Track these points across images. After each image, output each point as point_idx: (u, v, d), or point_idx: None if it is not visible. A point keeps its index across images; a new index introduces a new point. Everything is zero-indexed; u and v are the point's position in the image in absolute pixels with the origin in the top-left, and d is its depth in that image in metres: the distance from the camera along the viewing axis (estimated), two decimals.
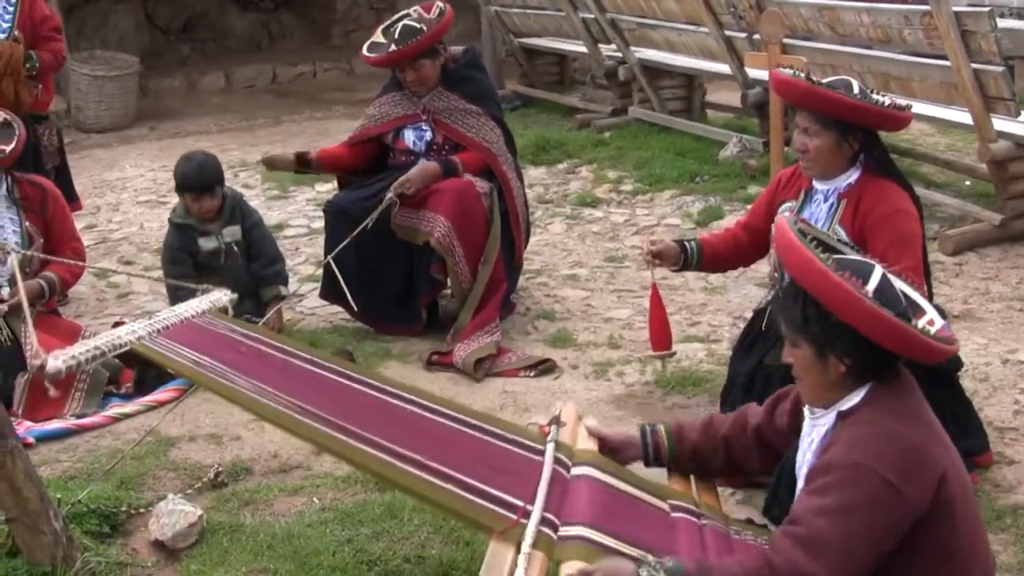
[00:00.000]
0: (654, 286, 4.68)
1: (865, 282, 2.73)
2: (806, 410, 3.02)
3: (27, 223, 5.53)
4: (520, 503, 3.06)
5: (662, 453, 3.39)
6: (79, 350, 3.40)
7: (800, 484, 2.98)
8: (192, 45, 15.60)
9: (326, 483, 4.37)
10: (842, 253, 2.99)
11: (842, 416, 2.84)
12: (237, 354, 3.47)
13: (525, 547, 2.87)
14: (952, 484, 2.73)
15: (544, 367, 5.49)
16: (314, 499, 4.25)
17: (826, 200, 4.24)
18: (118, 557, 3.86)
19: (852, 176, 4.19)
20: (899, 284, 2.88)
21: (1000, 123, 6.90)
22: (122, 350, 3.50)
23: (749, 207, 7.47)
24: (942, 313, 3.02)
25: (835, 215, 4.18)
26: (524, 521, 2.98)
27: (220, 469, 4.45)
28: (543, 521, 2.98)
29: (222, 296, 4.22)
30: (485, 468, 3.23)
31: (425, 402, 3.58)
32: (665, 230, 7.65)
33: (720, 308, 6.13)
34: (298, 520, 4.08)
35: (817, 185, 4.28)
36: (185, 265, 5.89)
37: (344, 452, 3.25)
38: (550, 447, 3.34)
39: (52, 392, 4.48)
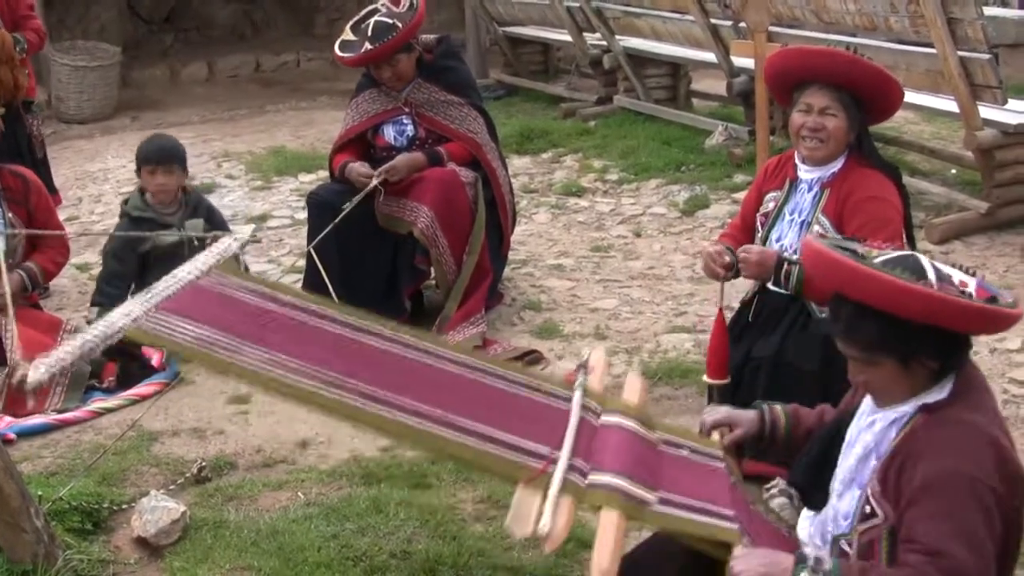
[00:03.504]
0: (720, 310, 4.36)
1: (924, 276, 2.63)
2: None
3: (10, 214, 5.48)
4: (547, 451, 2.92)
5: (778, 430, 3.20)
6: (64, 352, 2.98)
7: (848, 461, 2.87)
8: (175, 35, 15.52)
9: (311, 477, 4.34)
10: (850, 249, 2.90)
11: (928, 409, 2.72)
12: (248, 319, 3.29)
13: (552, 493, 2.74)
14: (1021, 491, 2.68)
15: (530, 358, 5.45)
16: (299, 494, 4.22)
17: (810, 190, 4.22)
18: (100, 555, 3.82)
19: (836, 165, 4.17)
20: (928, 258, 2.79)
21: (986, 111, 6.88)
22: (115, 338, 3.08)
23: (736, 196, 7.55)
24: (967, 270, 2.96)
25: (819, 204, 4.16)
26: (551, 469, 2.83)
27: (203, 464, 4.41)
28: (571, 468, 2.84)
29: (231, 243, 3.73)
30: (510, 418, 3.08)
31: (448, 353, 3.38)
32: (651, 219, 7.62)
33: (707, 298, 6.10)
34: (282, 516, 4.05)
35: (802, 175, 4.25)
36: (124, 264, 5.62)
37: (361, 417, 3.06)
38: (577, 393, 3.19)
39: (31, 404, 4.41)
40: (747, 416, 3.22)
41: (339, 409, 3.08)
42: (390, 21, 5.78)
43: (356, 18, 6.01)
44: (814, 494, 3.02)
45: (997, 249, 6.68)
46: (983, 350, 5.25)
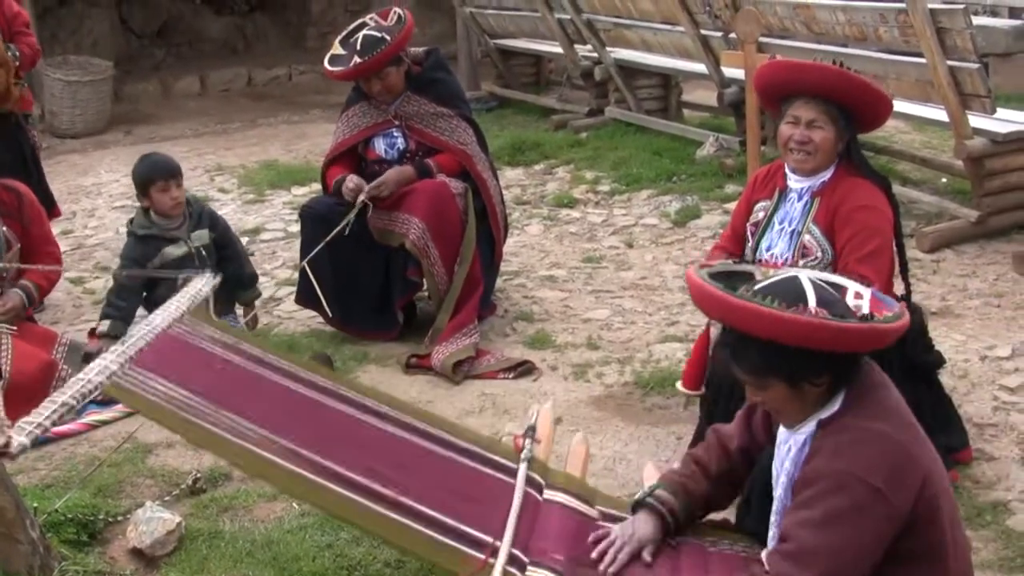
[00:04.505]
0: (708, 325, 4.37)
1: (806, 303, 2.70)
2: None
3: (4, 228, 5.47)
4: (489, 539, 3.09)
5: (676, 515, 3.19)
6: (45, 414, 3.18)
7: (777, 492, 2.95)
8: (167, 49, 15.54)
9: None
10: (746, 273, 2.97)
11: (823, 424, 2.80)
12: (211, 374, 3.42)
13: None
14: (935, 483, 2.71)
15: (523, 369, 5.47)
16: (293, 504, 4.21)
17: (800, 199, 4.23)
18: (96, 566, 3.82)
19: (827, 174, 4.19)
20: (817, 276, 2.87)
21: (976, 120, 6.91)
22: (92, 396, 3.39)
23: (727, 207, 7.57)
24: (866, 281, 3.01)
25: (809, 213, 4.18)
26: (492, 561, 3.01)
27: (199, 475, 4.42)
28: (511, 560, 3.02)
29: (203, 286, 4.02)
30: (455, 497, 3.25)
31: (399, 416, 3.57)
32: (643, 230, 7.64)
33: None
34: (277, 526, 4.06)
35: (792, 184, 4.27)
36: (134, 280, 5.65)
37: (309, 496, 3.30)
38: (522, 467, 3.35)
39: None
40: (649, 530, 3.15)
41: (292, 488, 3.35)
42: (379, 35, 5.78)
43: (345, 32, 6.00)
44: (766, 533, 3.08)
45: (988, 257, 6.71)
46: (973, 358, 5.28)
